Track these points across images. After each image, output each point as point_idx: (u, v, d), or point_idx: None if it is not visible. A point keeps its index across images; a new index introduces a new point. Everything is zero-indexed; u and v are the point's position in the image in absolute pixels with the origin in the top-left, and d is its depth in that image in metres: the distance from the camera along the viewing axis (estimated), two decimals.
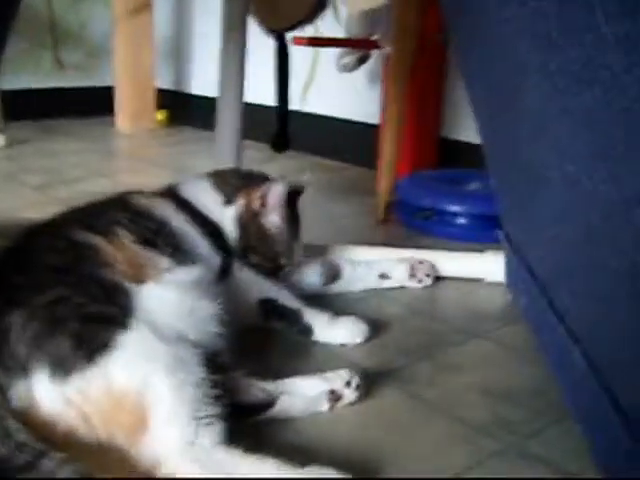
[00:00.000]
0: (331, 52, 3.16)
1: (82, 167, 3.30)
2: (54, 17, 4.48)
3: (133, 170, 3.40)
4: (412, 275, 1.86)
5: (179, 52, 4.62)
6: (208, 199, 1.64)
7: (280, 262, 1.65)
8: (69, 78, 4.61)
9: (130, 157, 3.78)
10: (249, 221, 1.63)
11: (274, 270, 1.65)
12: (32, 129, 4.11)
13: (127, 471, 1.06)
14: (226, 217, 1.63)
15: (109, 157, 3.75)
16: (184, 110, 4.50)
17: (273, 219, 1.63)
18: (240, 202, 1.63)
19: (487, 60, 1.16)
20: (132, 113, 4.25)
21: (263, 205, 1.62)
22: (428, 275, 1.87)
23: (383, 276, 1.85)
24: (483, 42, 1.16)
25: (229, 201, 1.64)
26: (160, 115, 4.45)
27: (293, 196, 1.69)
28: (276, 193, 1.61)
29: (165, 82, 4.61)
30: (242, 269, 1.56)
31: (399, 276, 1.86)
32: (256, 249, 1.63)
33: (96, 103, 4.49)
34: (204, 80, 4.36)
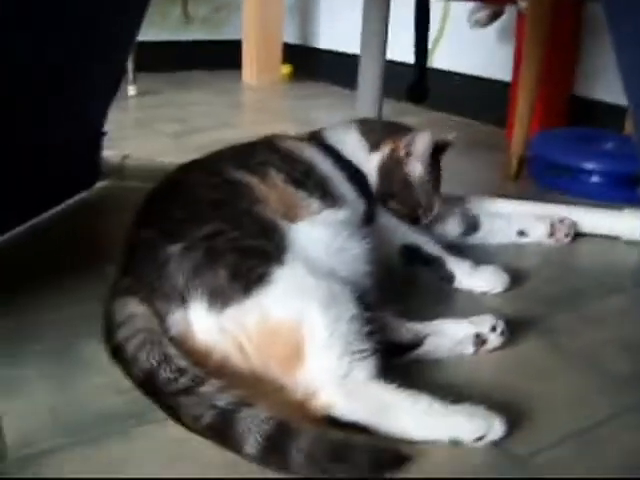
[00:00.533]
0: (461, 8, 3.14)
1: (211, 117, 3.38)
2: None
3: (261, 121, 3.45)
4: (551, 234, 1.84)
5: (306, 6, 4.64)
6: (354, 145, 1.66)
7: (418, 213, 1.66)
8: (197, 31, 4.69)
9: (257, 109, 3.85)
10: (393, 167, 1.64)
11: (411, 220, 1.66)
12: (161, 80, 4.21)
13: (280, 401, 1.09)
14: (370, 163, 1.65)
15: (237, 108, 3.83)
16: (309, 64, 4.53)
17: (417, 168, 1.64)
18: (386, 148, 1.65)
19: None
20: (259, 66, 4.30)
21: (408, 153, 1.63)
22: (567, 235, 1.85)
23: (522, 233, 1.83)
24: None
25: (375, 147, 1.66)
26: (285, 69, 4.49)
27: (437, 150, 1.69)
28: (423, 142, 1.62)
29: (291, 36, 4.64)
30: (386, 215, 1.59)
31: (538, 234, 1.84)
32: (396, 196, 1.65)
33: (223, 56, 4.56)
34: (331, 34, 4.39)
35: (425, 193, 1.66)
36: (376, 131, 1.70)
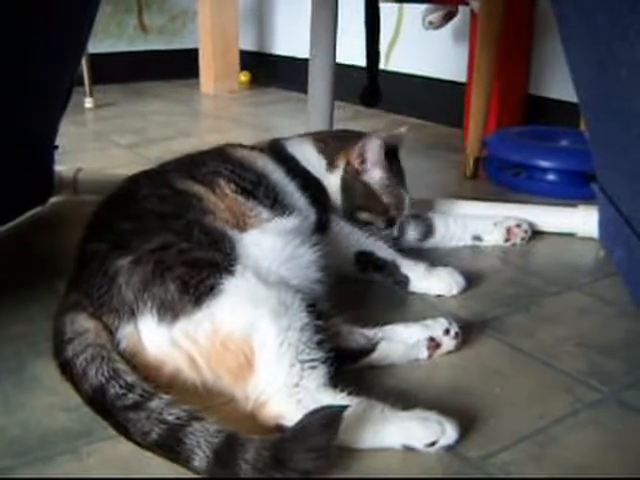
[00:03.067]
0: (416, 10, 3.14)
1: (169, 127, 3.36)
2: None
3: (218, 129, 3.45)
4: (507, 239, 1.84)
5: (262, 13, 4.63)
6: (313, 161, 1.67)
7: (391, 214, 1.67)
8: (153, 41, 4.67)
9: (215, 117, 3.83)
10: (352, 181, 1.65)
11: (387, 223, 1.68)
12: (118, 91, 4.20)
13: (232, 413, 1.10)
14: (331, 183, 1.66)
15: (195, 117, 3.81)
16: (267, 71, 4.52)
17: (375, 173, 1.65)
18: (341, 165, 1.66)
19: (594, 0, 1.16)
20: (216, 75, 4.28)
21: (363, 162, 1.64)
22: (523, 239, 1.84)
23: (477, 238, 1.83)
24: None
25: (332, 166, 1.67)
26: (243, 77, 4.48)
27: (393, 149, 1.71)
28: (373, 147, 1.63)
29: (248, 43, 4.62)
30: (340, 223, 1.58)
31: (493, 240, 1.84)
32: (364, 207, 1.66)
33: (180, 65, 4.55)
34: (287, 41, 4.38)
35: (390, 194, 1.67)
36: (329, 146, 1.70)
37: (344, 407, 1.00)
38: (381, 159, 1.64)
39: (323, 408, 1.00)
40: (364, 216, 1.66)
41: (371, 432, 1.04)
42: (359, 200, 1.65)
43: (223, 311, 1.12)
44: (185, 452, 0.97)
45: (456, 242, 1.82)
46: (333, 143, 1.71)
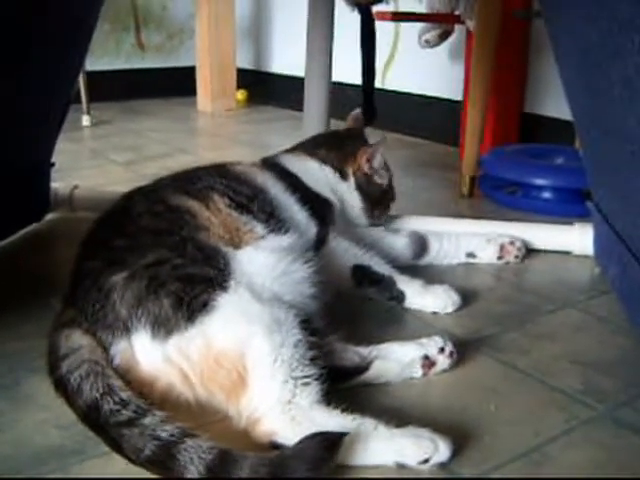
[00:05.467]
0: (412, 29, 3.15)
1: (166, 145, 3.36)
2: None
3: (216, 147, 3.46)
4: (500, 257, 1.84)
5: (259, 31, 4.65)
6: (319, 174, 1.72)
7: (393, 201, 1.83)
8: (150, 59, 4.69)
9: (212, 135, 3.83)
10: (365, 184, 1.76)
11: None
12: (116, 109, 4.20)
13: (225, 429, 1.10)
14: (346, 190, 1.74)
15: (192, 135, 3.81)
16: (264, 89, 4.53)
17: (383, 175, 1.77)
18: (350, 173, 1.75)
19: (585, 21, 1.16)
20: (213, 92, 4.29)
21: (372, 167, 1.75)
22: (517, 257, 1.84)
23: (470, 255, 1.83)
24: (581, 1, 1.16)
25: (342, 175, 1.74)
26: (240, 95, 4.49)
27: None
28: (377, 155, 1.74)
29: (245, 61, 4.64)
30: (336, 237, 1.58)
31: (487, 257, 1.84)
32: (380, 203, 1.79)
33: (177, 83, 4.56)
34: (284, 59, 4.40)
35: (393, 189, 1.82)
36: (331, 159, 1.75)
37: (344, 434, 1.00)
38: (383, 162, 1.77)
39: (323, 433, 1.00)
40: (377, 213, 1.79)
41: (364, 449, 1.03)
42: (376, 199, 1.77)
43: (216, 327, 1.12)
44: (178, 468, 0.97)
45: (450, 260, 1.82)
46: (331, 155, 1.76)
